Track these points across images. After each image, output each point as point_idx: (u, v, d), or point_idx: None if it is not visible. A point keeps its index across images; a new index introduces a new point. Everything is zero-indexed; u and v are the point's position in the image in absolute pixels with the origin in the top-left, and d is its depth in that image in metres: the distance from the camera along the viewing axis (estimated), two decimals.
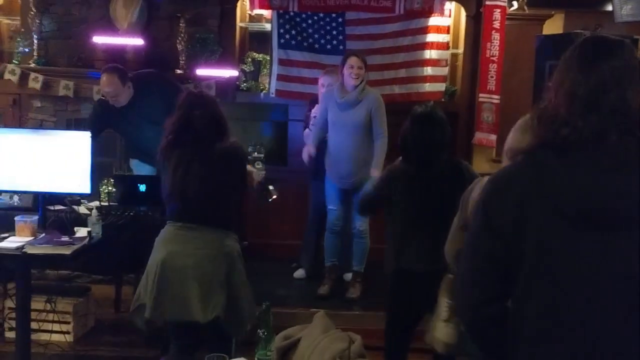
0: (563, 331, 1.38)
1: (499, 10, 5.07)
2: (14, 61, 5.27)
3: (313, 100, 4.74)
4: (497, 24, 5.08)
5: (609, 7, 4.76)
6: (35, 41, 5.17)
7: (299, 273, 4.90)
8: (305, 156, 4.46)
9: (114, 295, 4.56)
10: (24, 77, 5.12)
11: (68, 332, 3.99)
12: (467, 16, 5.36)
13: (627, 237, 1.34)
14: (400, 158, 3.02)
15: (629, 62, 1.41)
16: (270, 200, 3.63)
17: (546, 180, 1.37)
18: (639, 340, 1.34)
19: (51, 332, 3.95)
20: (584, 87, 1.38)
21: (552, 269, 1.39)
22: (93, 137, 3.70)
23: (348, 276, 4.65)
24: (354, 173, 4.32)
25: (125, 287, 4.67)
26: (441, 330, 2.41)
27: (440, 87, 5.35)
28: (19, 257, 3.16)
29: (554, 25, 5.30)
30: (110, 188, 4.21)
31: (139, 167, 4.48)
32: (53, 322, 3.97)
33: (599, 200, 1.34)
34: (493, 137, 5.19)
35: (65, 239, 3.34)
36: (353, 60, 4.25)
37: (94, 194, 3.81)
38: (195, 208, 2.87)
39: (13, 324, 3.66)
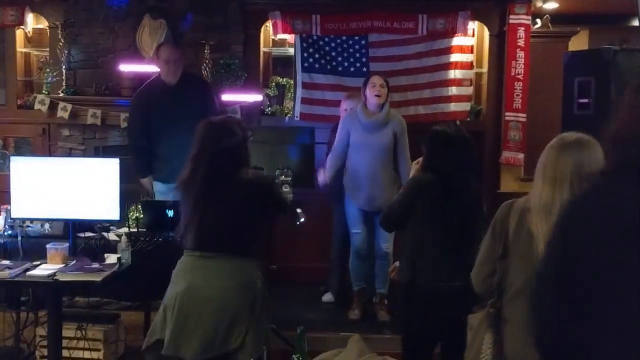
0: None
1: (522, 28, 5.06)
2: (43, 91, 5.38)
3: (335, 127, 4.74)
4: (521, 42, 5.06)
5: (635, 22, 4.72)
6: (64, 71, 5.26)
7: (327, 297, 4.86)
8: (320, 179, 4.44)
9: (143, 322, 4.55)
10: (53, 106, 5.21)
11: (99, 359, 3.98)
12: (491, 35, 5.35)
13: None
14: (420, 167, 2.99)
15: None
16: (298, 223, 3.62)
17: (617, 202, 1.33)
18: None
19: (82, 359, 3.94)
20: None
21: (621, 292, 1.33)
22: (135, 132, 4.20)
23: (374, 299, 4.61)
24: (379, 196, 4.29)
25: (154, 313, 4.66)
26: None
27: (466, 106, 5.32)
28: (50, 285, 3.17)
29: (579, 42, 5.27)
30: (138, 214, 4.24)
31: (161, 193, 4.48)
32: (84, 349, 3.96)
33: None
34: (521, 155, 5.14)
35: (95, 265, 3.36)
36: (375, 79, 4.29)
37: (123, 221, 3.83)
38: (214, 237, 2.76)
39: (45, 351, 3.67)
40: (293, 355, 2.01)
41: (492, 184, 5.21)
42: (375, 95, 4.21)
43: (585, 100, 3.67)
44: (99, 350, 3.98)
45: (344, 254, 4.68)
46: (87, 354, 3.95)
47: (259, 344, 2.75)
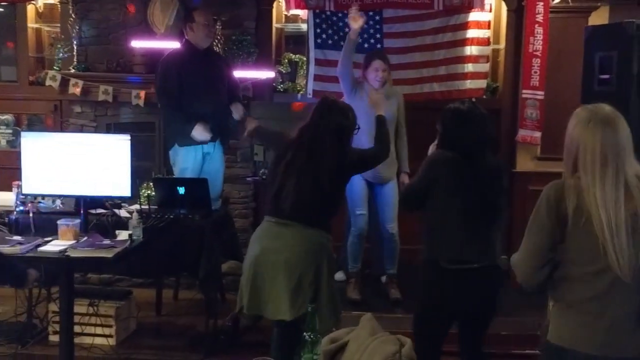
0: None
1: (541, 3, 4.91)
2: (54, 67, 5.35)
3: None
4: (540, 18, 4.92)
5: None
6: (75, 47, 5.22)
7: (339, 275, 4.83)
8: None
9: (155, 299, 4.57)
10: (64, 83, 5.18)
11: (111, 336, 3.99)
12: (509, 10, 5.22)
13: None
14: (436, 145, 2.99)
15: None
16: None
17: None
18: None
19: (94, 335, 3.95)
20: None
21: None
22: (171, 93, 4.22)
23: (383, 279, 4.60)
24: (384, 169, 4.26)
25: (165, 290, 4.68)
26: None
27: (482, 83, 5.23)
28: (62, 261, 3.17)
29: (599, 18, 5.12)
30: (149, 191, 4.23)
31: (186, 157, 4.38)
32: (96, 325, 3.98)
33: None
34: (537, 134, 5.03)
35: (106, 242, 3.35)
36: (378, 64, 4.29)
37: (134, 198, 3.82)
38: (295, 206, 2.90)
39: (57, 327, 3.68)
40: (305, 334, 1.98)
41: (508, 163, 5.12)
42: (377, 80, 4.27)
43: (607, 77, 3.56)
44: (110, 326, 4.00)
45: None
46: (99, 330, 3.97)
47: (329, 314, 2.93)
